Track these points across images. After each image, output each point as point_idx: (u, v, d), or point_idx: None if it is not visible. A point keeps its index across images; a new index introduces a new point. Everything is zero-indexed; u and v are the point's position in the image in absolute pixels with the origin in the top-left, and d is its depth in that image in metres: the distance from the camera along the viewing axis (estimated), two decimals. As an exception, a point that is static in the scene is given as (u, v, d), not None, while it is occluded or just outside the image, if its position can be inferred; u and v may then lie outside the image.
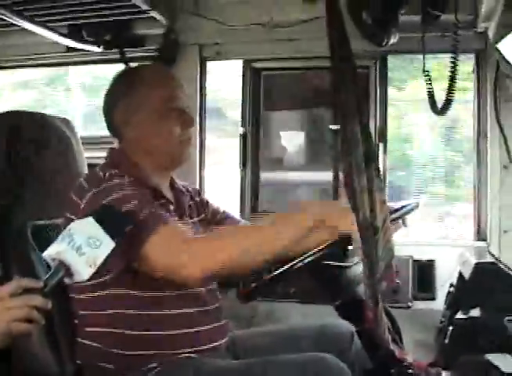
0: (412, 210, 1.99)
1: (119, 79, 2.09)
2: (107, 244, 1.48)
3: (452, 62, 2.52)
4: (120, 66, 3.09)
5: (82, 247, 1.44)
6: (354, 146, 1.40)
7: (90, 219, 1.50)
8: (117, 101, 2.03)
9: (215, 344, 1.96)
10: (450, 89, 2.53)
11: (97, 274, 1.62)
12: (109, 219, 1.52)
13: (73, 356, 1.95)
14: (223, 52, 3.19)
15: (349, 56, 1.45)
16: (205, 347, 1.93)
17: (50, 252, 1.46)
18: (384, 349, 1.58)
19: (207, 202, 2.26)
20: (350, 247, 1.67)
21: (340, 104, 1.41)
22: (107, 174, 1.89)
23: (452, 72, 2.52)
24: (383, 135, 3.15)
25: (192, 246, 1.75)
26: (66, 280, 1.48)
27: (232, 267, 1.73)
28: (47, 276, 1.46)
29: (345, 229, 1.65)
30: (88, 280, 1.50)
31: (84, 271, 1.45)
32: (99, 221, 1.50)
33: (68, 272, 1.45)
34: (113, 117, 2.04)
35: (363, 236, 1.45)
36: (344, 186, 1.46)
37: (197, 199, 2.22)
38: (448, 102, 2.56)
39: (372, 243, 1.45)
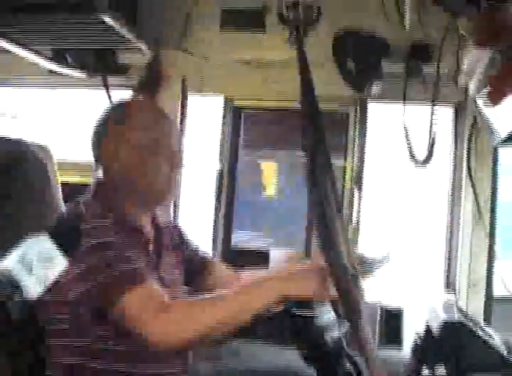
0: (383, 262, 2.00)
1: (112, 111, 2.07)
2: (60, 262, 1.43)
3: (432, 113, 2.53)
4: (102, 92, 3.12)
5: (33, 264, 1.38)
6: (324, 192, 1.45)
7: (43, 236, 1.43)
8: (108, 134, 2.01)
9: None
10: (431, 142, 2.53)
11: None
12: (63, 235, 1.47)
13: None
14: (205, 87, 3.19)
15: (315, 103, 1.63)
16: None
17: None
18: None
19: (187, 243, 2.26)
20: None
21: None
22: (89, 213, 1.90)
23: (431, 123, 2.53)
24: (359, 181, 3.15)
25: (165, 316, 1.75)
26: (15, 297, 1.39)
27: (201, 338, 1.76)
28: None
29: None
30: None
31: (33, 289, 1.38)
32: (53, 237, 1.43)
33: (17, 288, 1.37)
34: (102, 149, 2.02)
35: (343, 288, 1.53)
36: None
37: (176, 238, 2.22)
38: (430, 154, 2.55)
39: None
